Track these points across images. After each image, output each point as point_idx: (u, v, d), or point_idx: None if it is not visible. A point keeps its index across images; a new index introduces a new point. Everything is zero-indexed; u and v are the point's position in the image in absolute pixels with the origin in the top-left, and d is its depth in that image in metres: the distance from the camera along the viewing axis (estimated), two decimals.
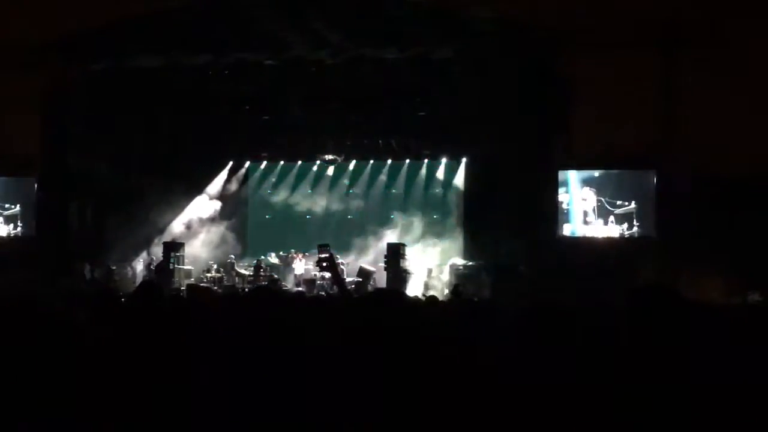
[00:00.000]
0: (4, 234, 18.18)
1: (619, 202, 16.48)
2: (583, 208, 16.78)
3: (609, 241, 16.43)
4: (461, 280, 17.68)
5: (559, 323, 3.45)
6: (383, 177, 22.05)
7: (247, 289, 17.51)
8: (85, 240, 18.09)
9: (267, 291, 4.06)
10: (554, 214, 16.70)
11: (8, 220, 18.16)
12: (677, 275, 14.21)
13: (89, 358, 3.38)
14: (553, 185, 16.64)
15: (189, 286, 9.84)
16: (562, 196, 16.86)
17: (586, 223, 16.78)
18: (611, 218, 16.51)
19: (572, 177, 16.88)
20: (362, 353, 3.21)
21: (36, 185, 17.96)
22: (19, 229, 18.10)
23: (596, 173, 16.79)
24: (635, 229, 16.30)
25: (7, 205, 18.22)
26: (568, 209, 16.85)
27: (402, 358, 3.17)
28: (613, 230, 16.51)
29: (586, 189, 16.75)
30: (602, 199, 16.59)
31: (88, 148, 17.99)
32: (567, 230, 16.88)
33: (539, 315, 3.59)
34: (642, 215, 16.30)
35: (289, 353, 3.42)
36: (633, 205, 16.37)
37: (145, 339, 3.58)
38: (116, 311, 4.03)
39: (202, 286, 11.90)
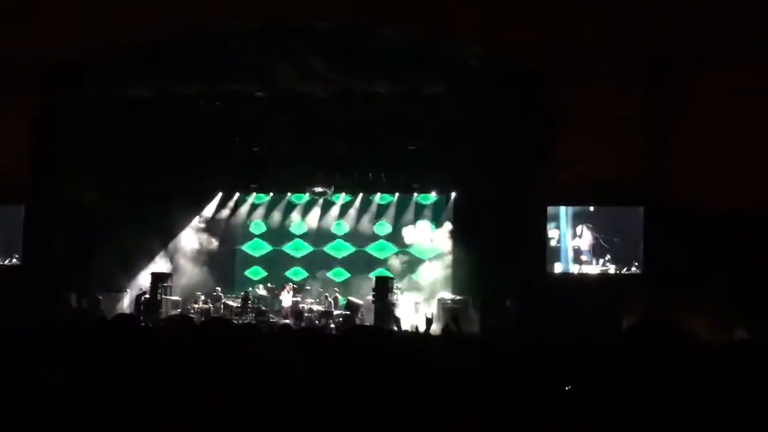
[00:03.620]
0: None
1: (616, 240, 16.21)
2: (575, 245, 16.50)
3: (596, 277, 16.34)
4: (449, 315, 17.64)
5: (555, 359, 3.44)
6: (372, 210, 22.03)
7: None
8: (73, 269, 17.99)
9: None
10: (542, 249, 16.60)
11: None
12: (663, 311, 14.19)
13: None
14: (541, 220, 16.59)
15: (168, 317, 9.80)
16: (553, 231, 16.61)
17: (579, 262, 16.47)
18: (607, 257, 16.27)
19: (564, 212, 16.64)
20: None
21: (24, 213, 17.90)
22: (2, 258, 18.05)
23: (591, 208, 16.53)
24: (633, 269, 16.08)
25: None
26: (559, 246, 16.58)
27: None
28: (609, 270, 16.24)
29: (581, 225, 16.51)
30: (599, 236, 16.39)
31: (77, 177, 17.97)
32: (558, 269, 16.55)
33: (535, 350, 3.59)
34: (631, 251, 16.20)
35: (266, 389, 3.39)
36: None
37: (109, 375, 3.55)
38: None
39: (181, 316, 11.83)
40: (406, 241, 21.30)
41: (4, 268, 18.01)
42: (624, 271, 16.09)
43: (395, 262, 21.17)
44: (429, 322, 11.76)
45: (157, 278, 19.59)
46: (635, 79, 15.58)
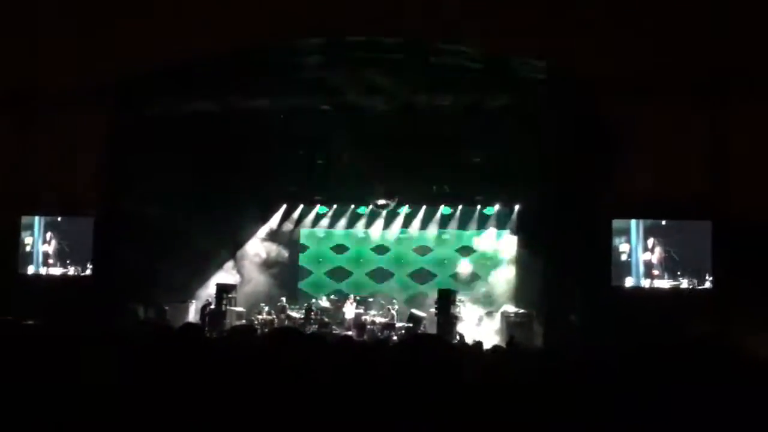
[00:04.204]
0: (58, 272, 18.54)
1: (689, 254, 15.73)
2: (646, 259, 16.15)
3: (663, 292, 15.99)
4: (512, 329, 17.54)
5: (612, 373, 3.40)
6: (436, 222, 21.97)
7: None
8: (140, 280, 18.27)
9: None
10: (607, 263, 16.31)
11: (61, 256, 18.53)
12: (733, 328, 13.84)
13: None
14: (607, 234, 16.30)
15: (233, 327, 9.89)
16: (623, 246, 16.27)
17: (650, 276, 16.11)
18: (679, 271, 15.84)
19: (635, 226, 16.25)
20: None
21: (93, 224, 18.26)
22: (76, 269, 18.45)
23: (663, 222, 16.18)
24: (707, 284, 15.67)
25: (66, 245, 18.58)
26: (630, 261, 16.24)
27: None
28: (681, 285, 15.83)
29: (652, 239, 16.16)
30: (670, 250, 16.02)
31: (144, 189, 18.26)
32: (629, 283, 16.20)
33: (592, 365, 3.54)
34: (704, 265, 15.74)
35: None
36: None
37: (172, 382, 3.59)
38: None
39: (245, 326, 11.95)
40: (470, 253, 21.20)
41: (79, 278, 18.40)
42: (697, 285, 15.67)
43: (459, 275, 21.10)
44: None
45: (222, 289, 19.86)
46: (703, 93, 15.27)
